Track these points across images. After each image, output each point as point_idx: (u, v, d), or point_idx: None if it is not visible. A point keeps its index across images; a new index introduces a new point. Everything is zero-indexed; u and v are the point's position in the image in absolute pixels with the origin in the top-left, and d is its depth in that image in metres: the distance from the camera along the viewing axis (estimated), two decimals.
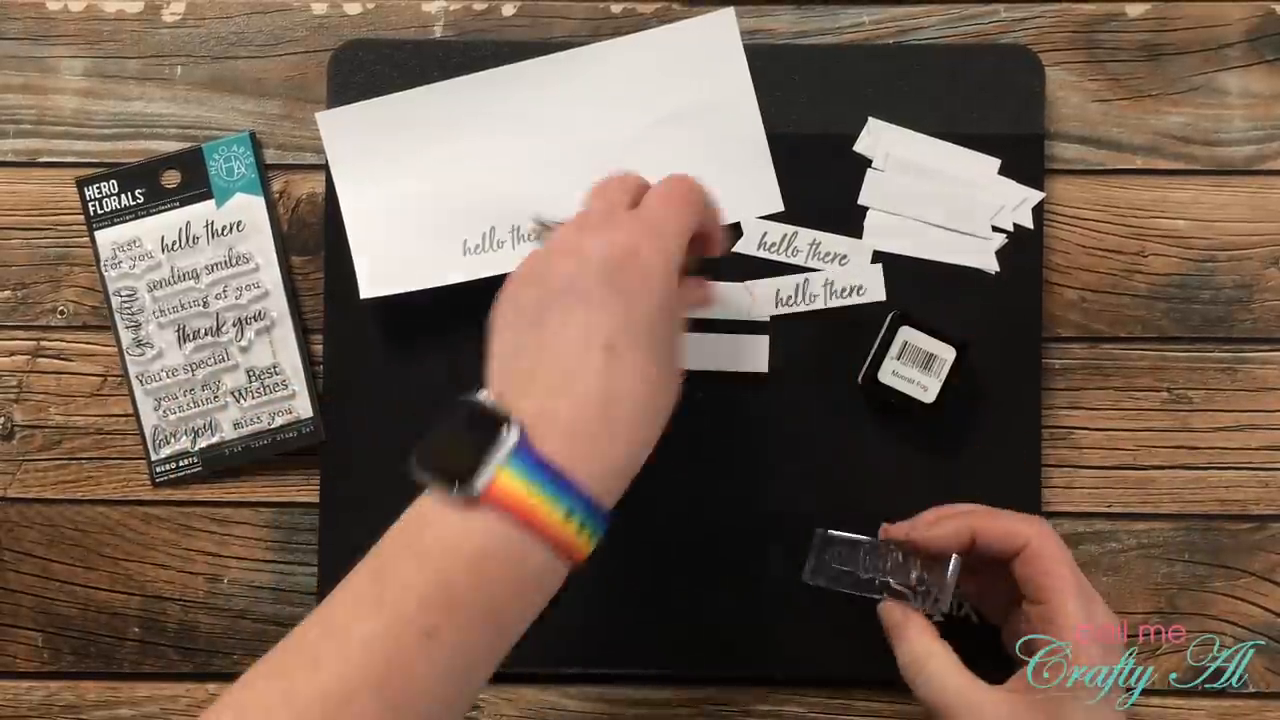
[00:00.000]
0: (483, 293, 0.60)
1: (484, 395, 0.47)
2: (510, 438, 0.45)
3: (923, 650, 0.54)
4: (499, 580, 0.45)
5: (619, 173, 0.53)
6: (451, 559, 0.44)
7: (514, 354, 0.48)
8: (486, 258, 0.61)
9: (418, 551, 0.45)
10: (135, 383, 0.63)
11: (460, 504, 0.45)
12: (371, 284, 0.61)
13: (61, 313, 0.63)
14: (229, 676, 0.63)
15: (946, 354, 0.59)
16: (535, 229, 0.53)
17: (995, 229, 0.61)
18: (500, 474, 0.44)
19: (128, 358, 0.63)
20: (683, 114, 0.62)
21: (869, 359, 0.59)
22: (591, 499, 0.46)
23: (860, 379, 0.60)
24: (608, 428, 0.46)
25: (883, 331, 0.59)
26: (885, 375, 0.59)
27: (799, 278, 0.61)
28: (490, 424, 0.45)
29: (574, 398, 0.46)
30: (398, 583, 0.45)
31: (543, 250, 0.50)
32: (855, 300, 0.61)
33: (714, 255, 0.55)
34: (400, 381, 0.61)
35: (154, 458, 0.63)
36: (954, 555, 0.55)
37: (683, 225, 0.50)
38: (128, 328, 0.63)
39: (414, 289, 0.60)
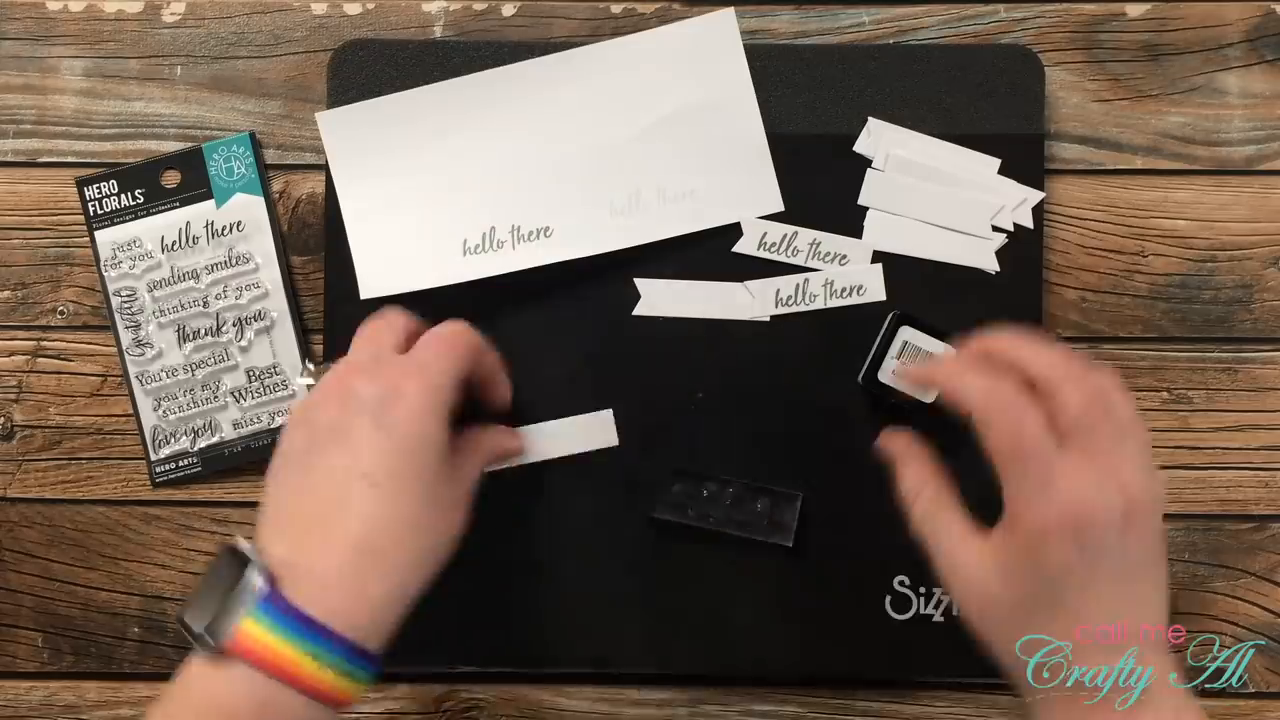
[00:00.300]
0: (483, 293, 0.61)
1: (244, 543, 0.47)
2: (254, 585, 0.45)
3: (915, 485, 0.53)
4: None
5: (386, 314, 0.54)
6: (204, 718, 0.44)
7: (281, 499, 0.49)
8: (487, 258, 0.61)
9: (172, 714, 0.45)
10: (135, 383, 0.63)
11: (211, 658, 0.45)
12: (371, 284, 0.61)
13: (61, 313, 0.63)
14: None
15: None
16: (306, 372, 0.53)
17: (995, 229, 0.61)
18: (245, 624, 0.44)
19: (127, 358, 0.63)
20: (683, 114, 0.61)
21: (869, 358, 0.59)
22: (350, 642, 0.45)
23: (860, 378, 0.60)
24: (366, 565, 0.46)
25: (883, 331, 0.59)
26: (885, 375, 0.59)
27: (799, 278, 0.61)
28: (239, 572, 0.45)
29: (329, 536, 0.46)
30: None
31: (313, 393, 0.51)
32: (855, 300, 0.61)
33: (497, 403, 0.57)
34: None
35: (154, 458, 0.63)
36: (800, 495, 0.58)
37: (450, 366, 0.51)
38: (127, 328, 0.63)
39: (414, 289, 0.60)
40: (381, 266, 0.61)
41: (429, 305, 0.60)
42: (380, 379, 0.49)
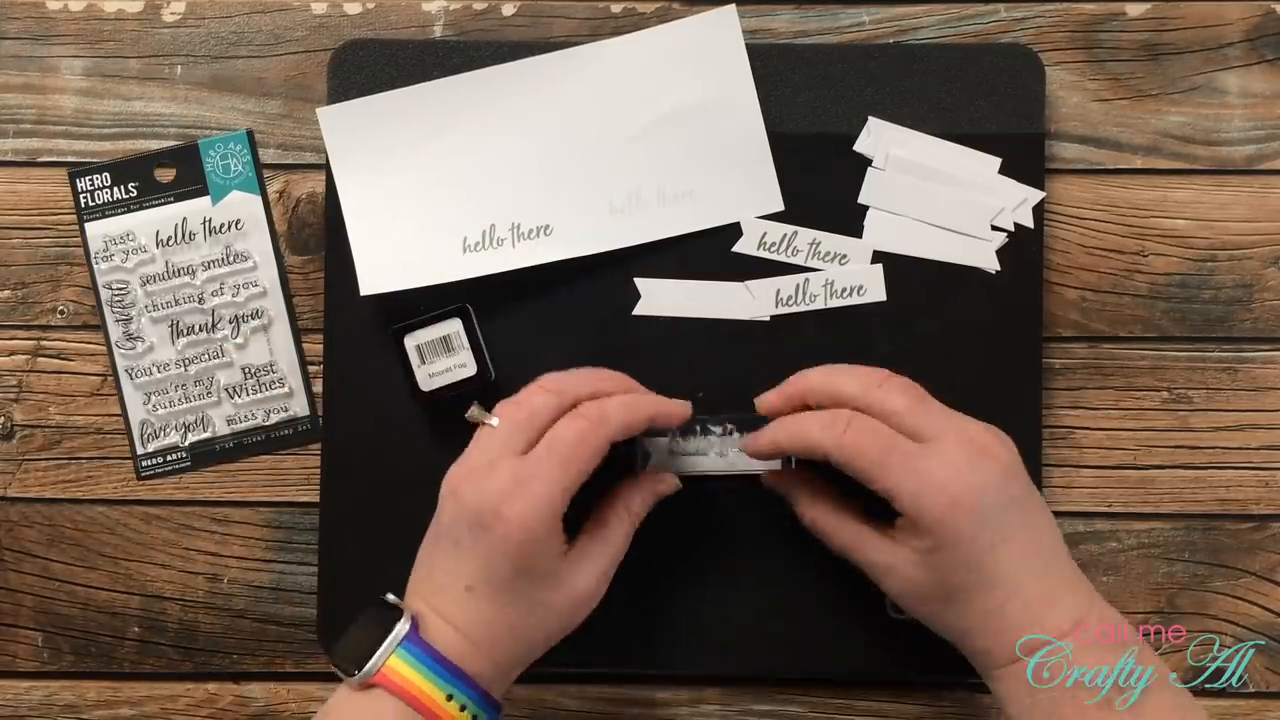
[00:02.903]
0: (482, 291, 0.61)
1: (391, 596, 0.54)
2: (402, 628, 0.52)
3: (814, 513, 0.57)
4: None
5: (544, 386, 0.55)
6: None
7: (419, 562, 0.55)
8: (486, 255, 0.61)
9: None
10: (124, 376, 0.63)
11: (358, 687, 0.52)
12: (371, 281, 0.61)
13: (61, 312, 0.63)
14: (229, 676, 0.63)
15: (454, 326, 0.60)
16: (472, 415, 0.56)
17: (995, 229, 0.61)
18: (391, 659, 0.51)
19: (117, 351, 0.63)
20: (683, 112, 0.61)
21: (405, 380, 0.60)
22: (478, 684, 0.52)
23: (411, 398, 0.60)
24: (468, 644, 0.52)
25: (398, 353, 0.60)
26: (425, 383, 0.60)
27: (799, 278, 0.61)
28: (387, 617, 0.52)
29: (440, 614, 0.53)
30: None
31: (452, 473, 0.54)
32: (855, 300, 0.61)
33: (669, 428, 0.59)
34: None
35: (140, 452, 0.63)
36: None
37: (564, 484, 0.53)
38: (118, 321, 0.62)
39: (414, 286, 0.60)
40: (381, 263, 0.61)
41: (429, 303, 0.61)
42: (485, 494, 0.52)
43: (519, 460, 0.53)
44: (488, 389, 0.60)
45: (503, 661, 0.53)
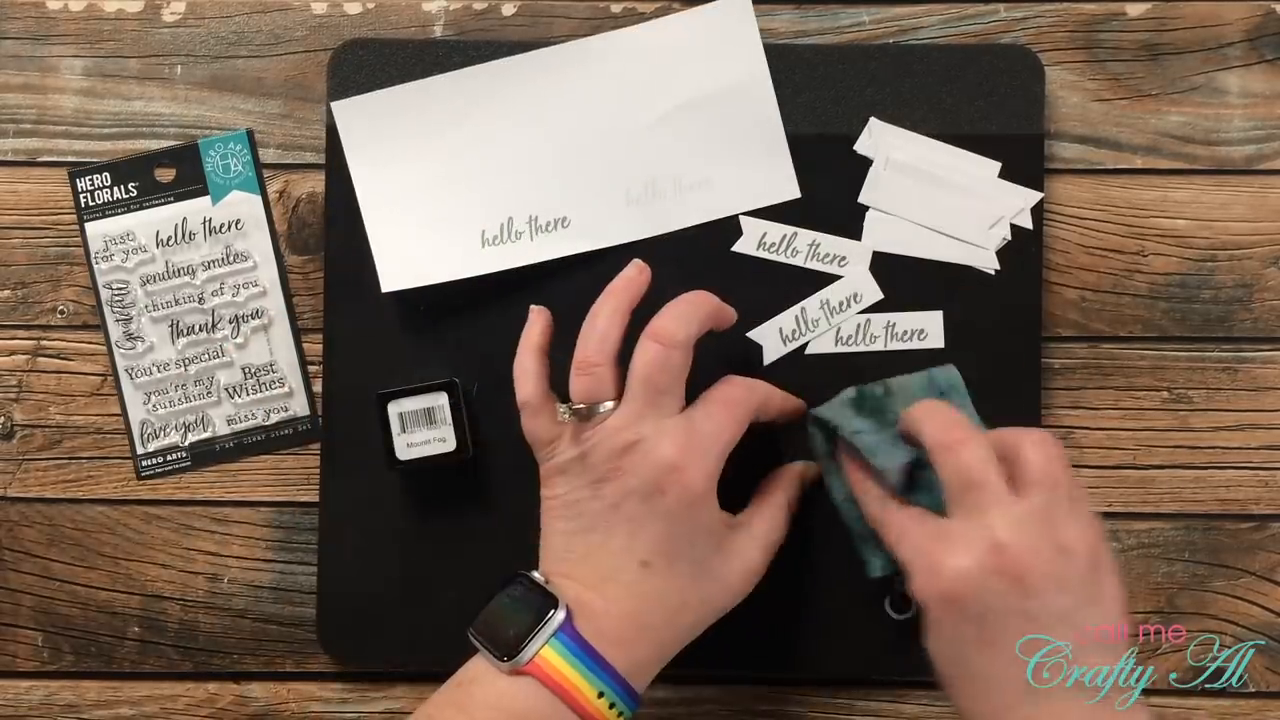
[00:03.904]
0: (486, 291, 0.61)
1: (538, 575, 0.53)
2: (557, 617, 0.51)
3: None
4: None
5: (669, 333, 0.53)
6: (492, 717, 0.51)
7: (565, 549, 0.54)
8: (505, 249, 0.61)
9: (464, 707, 0.51)
10: (124, 376, 0.63)
11: (507, 670, 0.51)
12: (393, 277, 0.61)
13: (61, 312, 0.63)
14: (229, 676, 0.63)
15: (439, 399, 0.59)
16: (567, 411, 0.54)
17: (995, 229, 0.61)
18: (545, 649, 0.51)
19: (117, 351, 0.63)
20: (699, 100, 0.61)
21: (383, 445, 0.59)
22: (627, 682, 0.51)
23: (388, 466, 0.60)
24: (636, 633, 0.52)
25: (378, 415, 0.59)
26: (403, 451, 0.59)
27: (795, 309, 0.61)
28: (540, 602, 0.52)
29: (607, 603, 0.52)
30: None
31: (594, 455, 0.53)
32: (854, 309, 0.61)
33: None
34: (401, 380, 0.61)
35: (140, 451, 0.63)
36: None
37: (730, 439, 0.54)
38: (118, 321, 0.63)
39: (435, 282, 0.60)
40: (401, 259, 0.61)
41: (431, 302, 0.61)
42: (659, 460, 0.52)
43: (683, 418, 0.53)
44: (463, 466, 0.60)
45: (650, 655, 0.53)
